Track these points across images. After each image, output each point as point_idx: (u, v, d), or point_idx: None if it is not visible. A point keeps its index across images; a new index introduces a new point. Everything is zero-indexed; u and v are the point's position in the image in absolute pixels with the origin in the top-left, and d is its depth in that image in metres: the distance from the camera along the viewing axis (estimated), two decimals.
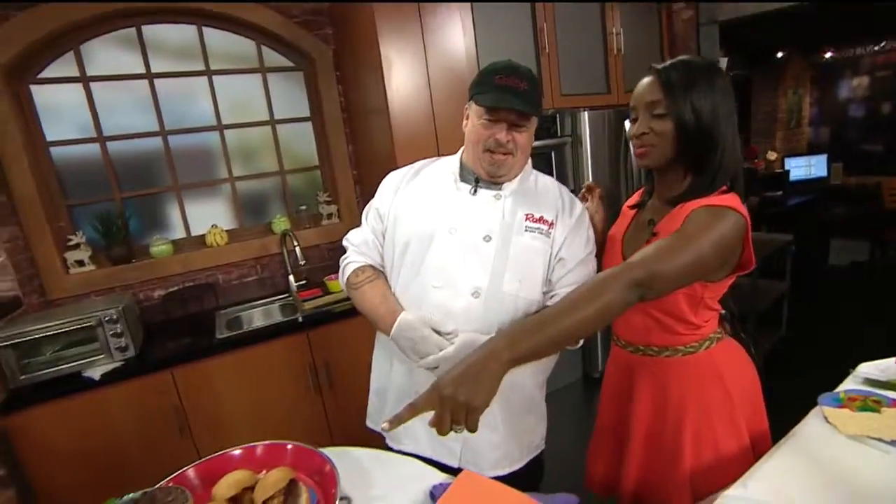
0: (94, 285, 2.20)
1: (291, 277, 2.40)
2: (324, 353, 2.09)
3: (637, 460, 1.10)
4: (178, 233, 2.45)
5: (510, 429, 1.12)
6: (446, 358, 0.90)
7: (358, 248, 1.11)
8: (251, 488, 0.88)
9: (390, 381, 1.08)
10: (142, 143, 2.33)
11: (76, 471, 1.75)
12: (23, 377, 1.72)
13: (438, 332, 0.93)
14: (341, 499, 0.82)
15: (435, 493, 0.82)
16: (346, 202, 2.46)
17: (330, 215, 2.43)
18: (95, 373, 1.79)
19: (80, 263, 2.19)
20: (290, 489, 0.88)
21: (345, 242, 1.14)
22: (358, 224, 1.16)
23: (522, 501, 0.82)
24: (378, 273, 1.07)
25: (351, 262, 1.10)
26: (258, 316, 2.34)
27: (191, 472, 0.96)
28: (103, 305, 1.90)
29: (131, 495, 0.80)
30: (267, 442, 0.99)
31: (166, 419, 1.86)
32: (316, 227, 2.64)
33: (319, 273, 2.55)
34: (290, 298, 2.37)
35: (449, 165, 1.06)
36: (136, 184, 2.36)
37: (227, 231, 2.48)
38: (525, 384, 1.14)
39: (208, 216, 2.48)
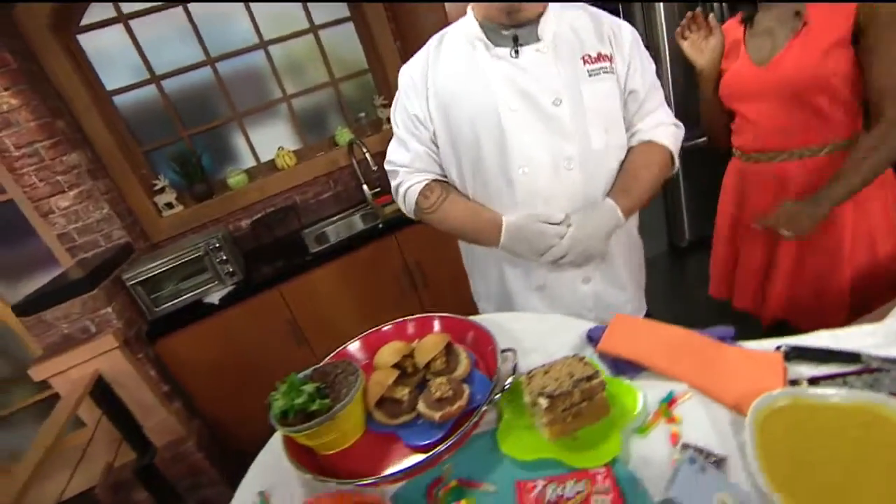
0: (187, 224, 2.31)
1: (365, 186, 2.39)
2: (414, 253, 2.13)
3: (784, 273, 1.06)
4: (249, 161, 2.48)
5: (634, 284, 1.12)
6: (572, 242, 0.88)
7: (409, 166, 0.97)
8: (410, 356, 0.90)
9: (504, 285, 1.02)
10: (193, 77, 2.31)
11: (220, 381, 1.98)
12: (157, 309, 1.87)
13: (549, 223, 0.87)
14: (503, 351, 0.82)
15: (592, 336, 0.82)
16: None
17: (389, 119, 2.34)
18: (214, 298, 1.92)
19: (170, 206, 2.27)
20: (449, 351, 0.90)
21: (388, 166, 1.01)
22: None
23: (681, 333, 0.82)
24: (446, 186, 0.97)
25: (409, 185, 0.97)
26: (342, 228, 2.39)
27: (349, 348, 1.00)
28: (203, 238, 2.00)
29: (305, 372, 0.83)
30: (416, 316, 1.00)
31: (283, 332, 2.03)
32: (378, 132, 2.59)
33: None
34: (369, 207, 2.38)
35: (466, 36, 0.89)
36: (198, 119, 2.36)
37: (293, 151, 2.47)
38: (639, 241, 1.13)
39: (273, 140, 2.48)
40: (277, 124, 2.45)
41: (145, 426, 1.77)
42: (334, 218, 2.43)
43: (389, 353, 0.90)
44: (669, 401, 0.72)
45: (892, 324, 0.75)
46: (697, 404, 0.71)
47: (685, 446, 0.65)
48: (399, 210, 2.35)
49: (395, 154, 0.99)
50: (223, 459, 1.99)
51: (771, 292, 1.14)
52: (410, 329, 1.00)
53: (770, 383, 0.66)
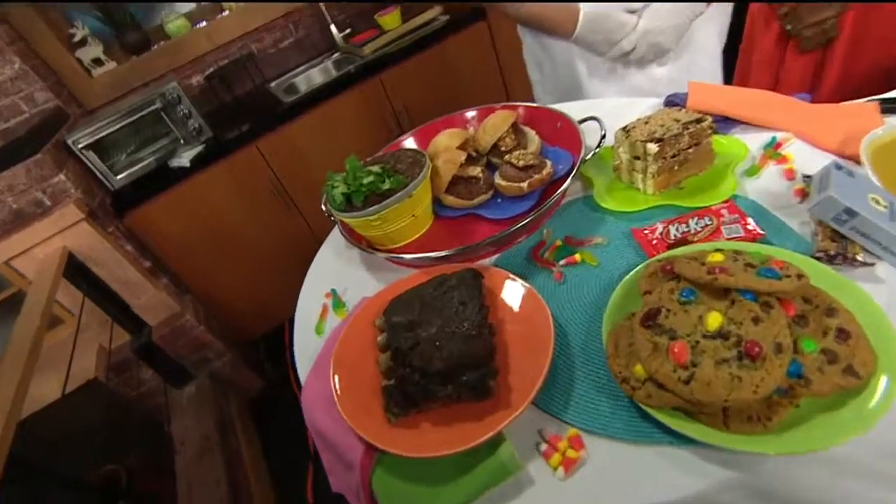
0: (127, 84, 1.99)
1: (334, 28, 2.05)
2: (401, 96, 1.90)
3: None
4: (186, 4, 2.03)
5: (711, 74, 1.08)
6: (643, 34, 0.85)
7: None
8: (469, 142, 0.83)
9: (574, 76, 1.00)
10: None
11: (205, 255, 1.84)
12: (118, 177, 1.66)
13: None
14: (583, 120, 0.77)
15: (674, 101, 0.83)
16: None
17: None
18: (184, 160, 1.68)
19: (99, 63, 1.90)
20: (515, 129, 0.83)
21: None
22: None
23: (766, 93, 0.80)
24: None
25: None
26: (316, 76, 2.08)
27: (403, 142, 0.93)
28: (154, 92, 1.68)
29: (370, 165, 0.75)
30: (466, 110, 0.93)
31: (268, 195, 1.86)
32: None
33: (366, 16, 2.16)
34: (342, 52, 2.07)
35: None
36: None
37: None
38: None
39: None
40: None
41: (134, 305, 1.62)
42: (302, 67, 2.12)
43: (448, 137, 0.81)
44: (774, 145, 0.70)
45: None
46: (803, 146, 0.69)
47: (806, 177, 0.63)
48: (382, 48, 2.13)
49: None
50: (224, 333, 1.90)
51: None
52: (464, 119, 0.93)
53: (871, 125, 0.63)
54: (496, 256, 0.69)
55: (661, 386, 0.42)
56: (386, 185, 0.70)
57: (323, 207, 0.77)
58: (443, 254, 0.65)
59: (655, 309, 0.45)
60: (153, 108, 1.64)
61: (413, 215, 0.72)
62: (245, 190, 1.80)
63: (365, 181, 0.69)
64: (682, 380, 0.40)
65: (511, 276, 0.59)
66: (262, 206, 1.85)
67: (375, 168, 0.71)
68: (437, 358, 0.50)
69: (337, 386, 0.53)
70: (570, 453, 0.44)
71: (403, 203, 0.69)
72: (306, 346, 0.65)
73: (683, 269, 0.46)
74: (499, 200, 0.74)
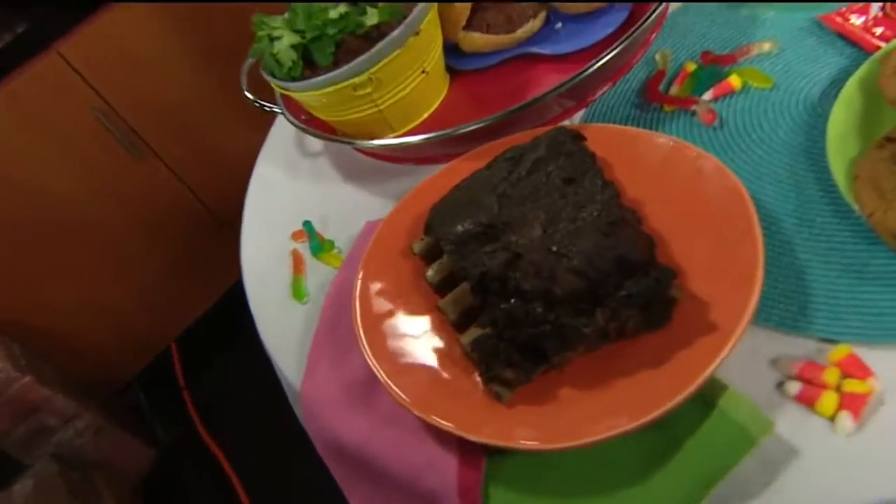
0: None
1: None
2: None
3: None
4: None
5: None
6: None
7: None
8: None
9: None
10: None
11: (14, 255, 1.59)
12: None
13: None
14: None
15: None
16: None
17: None
18: None
19: None
20: None
21: None
22: None
23: None
24: None
25: None
26: None
27: None
28: None
29: None
30: None
31: (97, 137, 1.59)
32: None
33: None
34: None
35: None
36: None
37: None
38: None
39: None
40: None
41: None
42: None
43: None
44: None
45: None
46: None
47: None
48: None
49: None
50: (71, 383, 1.72)
51: None
52: None
53: None
54: (576, 119, 0.63)
55: None
56: (372, 20, 0.59)
57: (247, 94, 0.74)
58: (474, 126, 0.57)
59: None
60: None
61: (423, 70, 0.64)
62: (53, 134, 1.53)
63: (332, 16, 0.58)
64: None
65: (630, 128, 0.54)
66: (93, 161, 1.59)
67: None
68: (566, 268, 0.41)
69: (376, 364, 0.45)
70: (852, 385, 0.37)
71: (407, 47, 0.59)
72: (281, 325, 0.61)
73: None
74: (558, 26, 0.68)
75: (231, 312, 1.64)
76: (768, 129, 0.53)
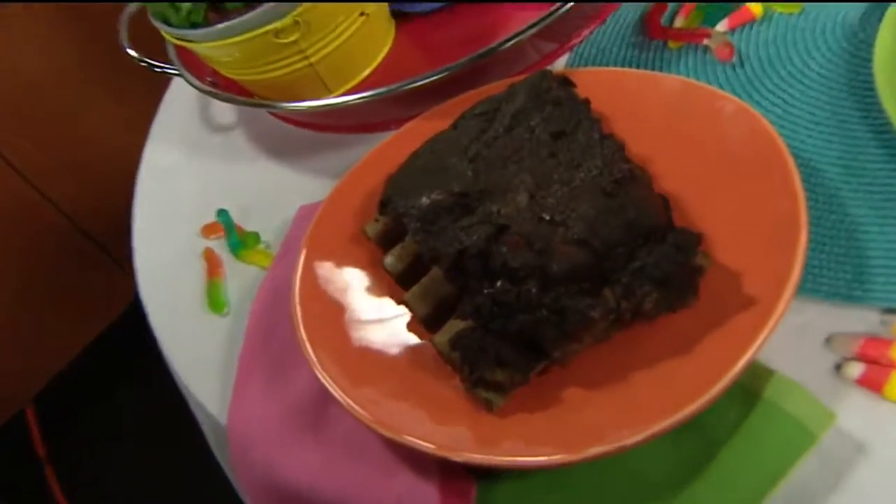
0: None
1: None
2: None
3: None
4: None
5: None
6: None
7: None
8: None
9: None
10: None
11: None
12: None
13: None
14: None
15: None
16: None
17: None
18: None
19: None
20: None
21: None
22: None
23: None
24: None
25: None
26: None
27: None
28: None
29: None
30: None
31: None
32: None
33: None
34: None
35: None
36: None
37: None
38: None
39: None
40: None
41: None
42: None
43: None
44: None
45: None
46: None
47: None
48: None
49: None
50: None
51: None
52: None
53: None
54: (560, 63, 0.65)
55: None
56: None
57: (130, 51, 0.74)
58: (431, 78, 0.59)
59: None
60: None
61: (363, 13, 0.65)
62: None
63: None
64: None
65: (629, 70, 0.57)
66: None
67: None
68: (564, 238, 0.42)
69: (328, 377, 0.45)
70: None
71: None
72: (196, 345, 0.61)
73: None
74: None
75: (108, 356, 1.60)
76: (799, 62, 0.54)
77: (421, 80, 0.59)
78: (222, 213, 0.67)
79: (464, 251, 0.44)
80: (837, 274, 0.44)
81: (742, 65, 0.57)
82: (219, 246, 0.66)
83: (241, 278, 0.63)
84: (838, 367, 0.41)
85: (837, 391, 0.40)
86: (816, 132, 0.50)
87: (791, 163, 0.43)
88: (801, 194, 0.41)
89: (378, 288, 0.51)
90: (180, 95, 0.79)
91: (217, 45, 0.62)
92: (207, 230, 0.67)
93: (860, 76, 0.50)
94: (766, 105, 0.53)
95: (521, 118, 0.52)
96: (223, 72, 0.67)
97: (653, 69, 0.59)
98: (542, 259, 0.42)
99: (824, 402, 0.39)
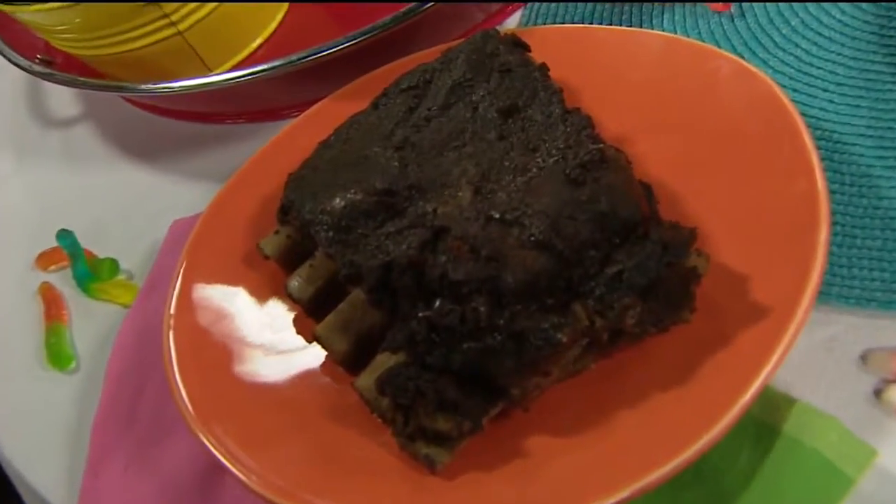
0: None
1: None
2: None
3: None
4: None
5: None
6: None
7: None
8: None
9: None
10: None
11: None
12: None
13: None
14: None
15: None
16: None
17: None
18: None
19: None
20: None
21: None
22: None
23: None
24: None
25: None
26: None
27: None
28: None
29: None
30: None
31: None
32: None
33: None
34: None
35: None
36: None
37: None
38: None
39: None
40: None
41: None
42: None
43: None
44: None
45: None
46: None
47: None
48: None
49: None
50: None
51: None
52: None
53: None
54: (511, 21, 0.67)
55: None
56: None
57: None
58: (338, 47, 0.60)
59: None
60: None
61: None
62: None
63: None
64: None
65: (597, 27, 0.59)
66: None
67: None
68: (519, 241, 0.43)
69: (218, 444, 0.45)
70: None
71: None
72: (29, 414, 0.61)
73: None
74: None
75: None
76: (813, 9, 0.56)
77: (326, 50, 0.60)
78: (65, 235, 0.66)
79: (391, 264, 0.45)
80: (871, 274, 0.45)
81: (742, 15, 0.58)
82: (61, 279, 0.66)
83: (92, 321, 0.62)
84: (877, 392, 0.42)
85: (877, 422, 0.42)
86: (838, 96, 0.52)
87: (807, 135, 0.44)
88: (821, 175, 0.42)
89: (280, 321, 0.52)
90: (1, 81, 0.78)
91: (52, 7, 0.62)
92: (45, 259, 0.67)
93: (893, 22, 0.52)
94: (774, 64, 0.55)
95: (460, 92, 0.53)
96: (58, 45, 0.66)
97: (630, 24, 0.61)
98: (493, 269, 0.42)
99: (861, 435, 0.40)
